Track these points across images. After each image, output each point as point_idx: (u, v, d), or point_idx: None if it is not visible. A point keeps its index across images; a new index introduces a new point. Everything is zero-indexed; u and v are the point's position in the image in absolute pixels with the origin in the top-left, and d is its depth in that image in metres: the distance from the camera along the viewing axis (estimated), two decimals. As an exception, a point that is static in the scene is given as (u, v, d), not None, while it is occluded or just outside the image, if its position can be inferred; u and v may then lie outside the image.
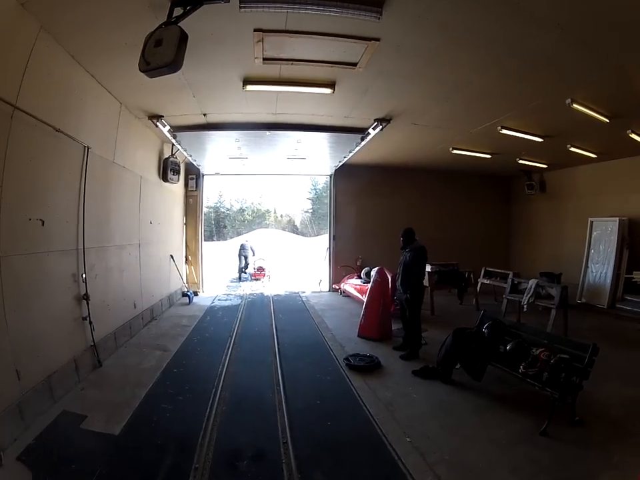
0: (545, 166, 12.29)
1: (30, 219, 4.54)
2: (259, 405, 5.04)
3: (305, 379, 5.93)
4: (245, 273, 19.35)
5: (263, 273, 19.09)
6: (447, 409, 4.93)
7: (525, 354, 5.12)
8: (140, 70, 3.73)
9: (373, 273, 8.69)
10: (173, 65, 3.63)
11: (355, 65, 5.60)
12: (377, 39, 4.90)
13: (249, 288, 15.85)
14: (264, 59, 5.47)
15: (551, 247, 13.09)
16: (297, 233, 48.51)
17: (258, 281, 18.31)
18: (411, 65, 5.70)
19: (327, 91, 6.47)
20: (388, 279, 8.28)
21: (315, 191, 50.42)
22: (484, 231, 14.69)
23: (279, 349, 7.30)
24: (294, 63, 5.60)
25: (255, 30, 4.72)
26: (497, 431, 4.34)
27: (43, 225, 4.76)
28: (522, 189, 14.01)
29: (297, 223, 53.36)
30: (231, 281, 18.47)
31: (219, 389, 5.44)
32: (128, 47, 4.76)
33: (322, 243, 26.38)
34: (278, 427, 4.44)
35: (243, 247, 19.88)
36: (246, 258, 19.63)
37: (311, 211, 51.53)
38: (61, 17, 4.35)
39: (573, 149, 9.75)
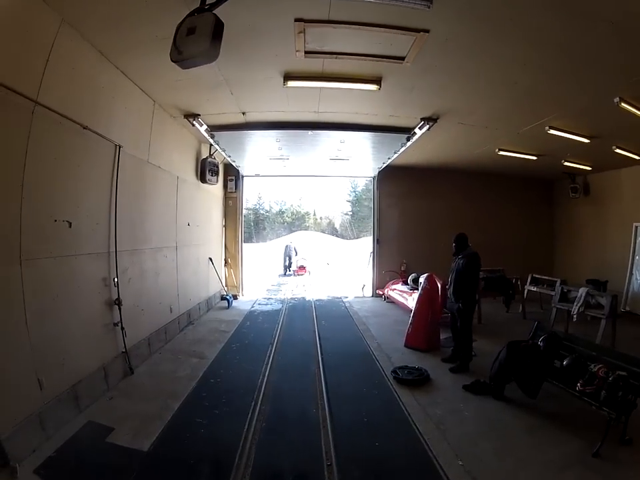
0: (589, 168, 11.63)
1: (55, 220, 4.38)
2: (301, 420, 4.77)
3: (350, 392, 5.60)
4: (289, 270, 23.08)
5: (304, 270, 23.05)
6: (500, 428, 4.64)
7: (582, 370, 4.80)
8: (172, 60, 3.42)
9: (421, 279, 8.31)
10: (208, 54, 3.31)
11: (402, 59, 5.20)
12: (426, 31, 4.50)
13: (290, 292, 15.75)
14: (306, 53, 5.13)
15: (595, 253, 12.41)
16: (336, 236, 48.59)
17: (300, 276, 21.90)
18: (460, 60, 5.29)
19: (373, 87, 6.08)
20: (438, 287, 7.89)
21: (354, 193, 50.59)
22: (526, 234, 14.09)
23: (322, 358, 7.00)
24: (338, 56, 5.23)
25: (296, 20, 4.39)
26: (550, 452, 4.09)
27: (70, 226, 4.60)
28: (565, 192, 13.33)
29: (337, 226, 53.42)
30: (278, 276, 21.78)
31: (259, 402, 5.17)
32: (159, 41, 4.51)
33: (362, 245, 26.89)
34: (322, 447, 4.15)
35: (287, 248, 24.05)
36: (290, 257, 23.55)
37: (351, 213, 51.59)
38: (83, 10, 4.16)
39: (617, 150, 9.16)
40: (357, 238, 44.04)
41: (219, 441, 4.22)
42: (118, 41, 4.80)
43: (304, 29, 4.56)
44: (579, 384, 4.63)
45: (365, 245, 25.29)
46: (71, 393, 4.49)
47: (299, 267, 23.34)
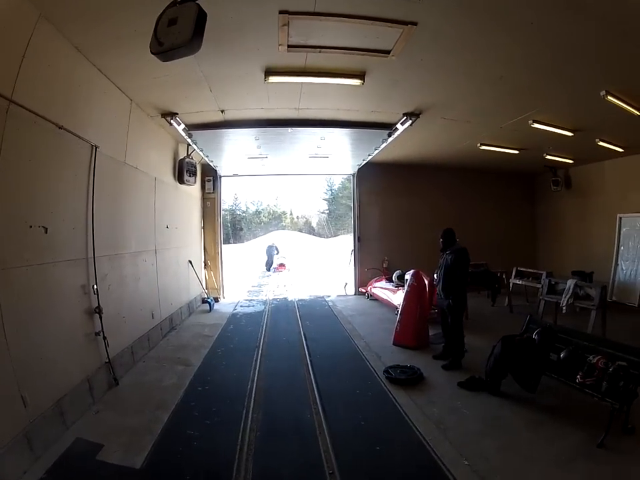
0: (571, 161, 11.81)
1: (30, 227, 4.11)
2: (296, 427, 4.59)
3: (344, 394, 5.45)
4: (270, 268, 25.18)
5: (283, 267, 25.43)
6: (500, 424, 4.59)
7: (580, 362, 4.78)
8: (152, 52, 3.23)
9: (407, 276, 8.21)
10: (190, 45, 3.12)
11: (387, 52, 5.10)
12: (415, 23, 4.40)
13: (271, 292, 15.63)
14: (289, 47, 4.97)
15: (579, 245, 12.64)
16: (313, 234, 48.67)
17: (280, 273, 23.83)
18: (445, 54, 5.23)
19: (356, 82, 5.96)
20: (425, 283, 7.83)
21: (330, 192, 50.65)
22: (509, 229, 14.24)
23: (310, 360, 6.83)
24: (322, 50, 5.08)
25: (280, 12, 4.23)
26: (553, 447, 4.07)
27: (46, 232, 4.33)
28: (547, 186, 13.52)
29: (314, 224, 53.51)
30: (259, 277, 22.44)
31: (250, 409, 4.98)
32: (138, 36, 4.27)
33: (340, 243, 27.29)
34: (321, 455, 4.00)
35: (269, 247, 26.71)
36: (271, 256, 25.96)
37: (327, 211, 51.67)
38: (62, 3, 3.95)
39: (601, 143, 9.30)
40: (335, 236, 44.14)
41: (213, 454, 4.04)
42: (96, 36, 4.58)
43: (288, 22, 4.40)
44: (578, 376, 4.60)
45: (343, 243, 25.69)
46: (56, 409, 4.26)
47: (279, 265, 25.48)
